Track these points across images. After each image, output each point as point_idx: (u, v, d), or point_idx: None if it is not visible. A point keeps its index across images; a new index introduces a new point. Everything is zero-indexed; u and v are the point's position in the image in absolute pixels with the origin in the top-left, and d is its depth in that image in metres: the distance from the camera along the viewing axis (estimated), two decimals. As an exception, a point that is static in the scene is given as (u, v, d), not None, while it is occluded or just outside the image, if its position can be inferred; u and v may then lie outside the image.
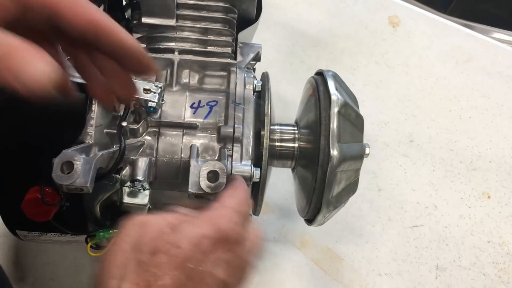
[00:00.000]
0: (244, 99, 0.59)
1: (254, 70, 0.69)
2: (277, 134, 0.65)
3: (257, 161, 0.59)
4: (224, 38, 0.62)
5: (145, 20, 0.61)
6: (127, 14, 0.64)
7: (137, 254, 0.37)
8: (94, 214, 0.57)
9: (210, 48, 0.62)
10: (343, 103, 0.59)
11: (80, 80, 0.42)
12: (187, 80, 0.61)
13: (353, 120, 0.60)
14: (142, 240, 0.38)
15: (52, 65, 0.32)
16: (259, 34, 0.71)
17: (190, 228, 0.39)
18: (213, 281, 0.38)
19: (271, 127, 0.63)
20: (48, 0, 0.36)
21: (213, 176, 0.51)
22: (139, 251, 0.37)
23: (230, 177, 0.51)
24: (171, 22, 0.61)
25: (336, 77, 0.63)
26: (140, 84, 0.53)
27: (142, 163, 0.55)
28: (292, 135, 0.65)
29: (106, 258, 0.38)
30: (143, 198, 0.53)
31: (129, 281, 0.36)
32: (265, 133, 0.59)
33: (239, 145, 0.57)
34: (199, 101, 0.59)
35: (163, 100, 0.57)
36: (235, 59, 0.63)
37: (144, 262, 0.36)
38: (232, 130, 0.57)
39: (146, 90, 0.55)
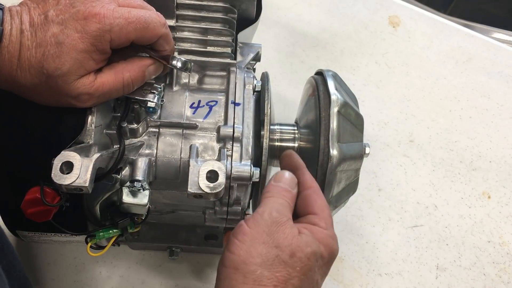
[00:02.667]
0: (244, 99, 0.59)
1: (254, 70, 0.69)
2: (277, 134, 0.65)
3: (257, 161, 0.59)
4: (224, 38, 0.62)
5: (145, 20, 0.61)
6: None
7: (278, 251, 0.45)
8: (94, 214, 0.57)
9: (210, 48, 0.62)
10: (343, 103, 0.59)
11: None
12: (187, 80, 0.61)
13: (353, 119, 0.60)
14: (282, 241, 0.46)
15: None
16: (259, 34, 0.71)
17: (315, 247, 0.47)
18: (316, 286, 0.48)
19: (271, 127, 0.63)
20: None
21: (212, 176, 0.51)
22: (279, 248, 0.46)
23: (306, 179, 0.54)
24: (171, 22, 0.61)
25: (336, 77, 0.63)
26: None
27: (141, 163, 0.55)
28: (292, 135, 0.65)
29: (245, 241, 0.46)
30: (143, 198, 0.53)
31: (271, 272, 0.44)
32: (265, 133, 0.59)
33: (238, 145, 0.57)
34: (199, 101, 0.59)
35: (162, 100, 0.57)
36: (235, 59, 0.63)
37: (283, 260, 0.45)
38: (231, 130, 0.57)
39: (146, 91, 0.55)
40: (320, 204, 0.52)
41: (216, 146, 0.57)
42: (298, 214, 0.53)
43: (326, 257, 0.48)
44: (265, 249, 0.45)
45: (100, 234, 0.57)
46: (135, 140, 0.56)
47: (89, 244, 0.57)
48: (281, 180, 0.53)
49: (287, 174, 0.54)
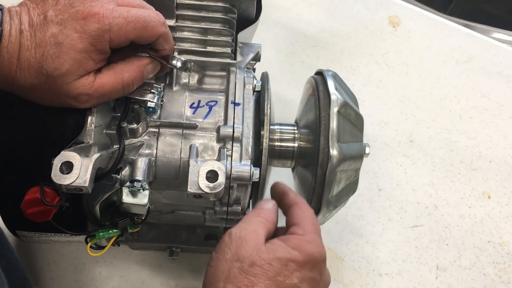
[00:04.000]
0: (243, 99, 0.59)
1: (254, 70, 0.69)
2: (276, 134, 0.65)
3: (256, 161, 0.59)
4: (224, 38, 0.62)
5: (144, 20, 0.61)
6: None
7: (239, 263, 0.47)
8: (94, 214, 0.57)
9: (209, 48, 0.62)
10: (343, 103, 0.59)
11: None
12: (187, 80, 0.61)
13: (352, 119, 0.60)
14: (242, 253, 0.48)
15: None
16: (259, 34, 0.71)
17: (280, 253, 0.48)
18: None
19: (271, 127, 0.63)
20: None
21: (212, 176, 0.51)
22: (240, 261, 0.47)
23: (290, 198, 0.56)
24: (171, 22, 0.61)
25: (336, 77, 0.63)
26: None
27: (141, 163, 0.55)
28: (292, 135, 0.65)
29: (212, 265, 0.49)
30: (143, 198, 0.53)
31: (233, 284, 0.46)
32: (265, 133, 0.59)
33: (238, 145, 0.57)
34: (199, 101, 0.59)
35: (162, 100, 0.57)
36: (235, 59, 0.63)
37: (244, 270, 0.47)
38: (231, 130, 0.57)
39: (146, 91, 0.55)
40: (300, 215, 0.54)
41: (216, 146, 0.57)
42: (286, 230, 0.54)
43: (301, 260, 0.48)
44: (227, 265, 0.48)
45: (100, 234, 0.57)
46: (135, 140, 0.56)
47: (89, 244, 0.57)
48: (259, 204, 0.56)
49: (265, 200, 0.57)
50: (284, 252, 0.48)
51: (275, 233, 0.54)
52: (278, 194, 0.58)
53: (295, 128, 0.66)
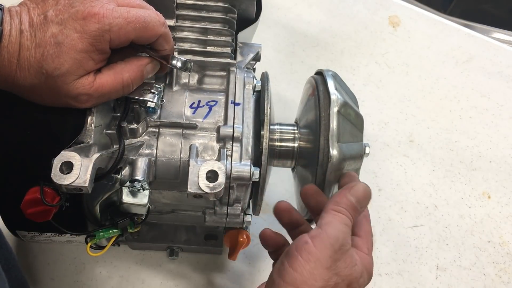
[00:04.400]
0: (243, 99, 0.59)
1: (254, 70, 0.69)
2: (277, 134, 0.65)
3: (256, 161, 0.59)
4: (224, 38, 0.62)
5: (144, 20, 0.61)
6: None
7: (339, 279, 0.47)
8: (94, 214, 0.57)
9: (209, 48, 0.62)
10: (343, 103, 0.59)
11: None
12: (187, 80, 0.61)
13: (352, 119, 0.60)
14: (343, 270, 0.48)
15: None
16: (259, 34, 0.71)
17: (364, 275, 0.50)
18: None
19: (271, 127, 0.63)
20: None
21: (212, 176, 0.51)
22: (340, 278, 0.47)
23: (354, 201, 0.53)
24: (171, 22, 0.61)
25: (336, 77, 0.63)
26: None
27: (141, 163, 0.55)
28: (292, 135, 0.65)
29: (309, 263, 0.47)
30: (143, 198, 0.53)
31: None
32: (265, 132, 0.59)
33: (238, 145, 0.57)
34: (199, 101, 0.59)
35: (162, 100, 0.57)
36: (235, 59, 0.63)
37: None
38: (231, 129, 0.57)
39: (146, 90, 0.55)
40: (367, 229, 0.54)
41: (216, 146, 0.57)
42: None
43: (367, 281, 0.51)
44: (327, 275, 0.46)
45: (100, 234, 0.57)
46: (135, 140, 0.56)
47: (89, 244, 0.57)
48: (355, 195, 0.53)
49: (362, 188, 0.53)
50: (364, 274, 0.50)
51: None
52: (360, 198, 0.54)
53: (295, 128, 0.66)
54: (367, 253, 0.51)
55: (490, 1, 1.52)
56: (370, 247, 0.53)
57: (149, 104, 0.55)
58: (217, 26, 0.62)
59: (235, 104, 0.58)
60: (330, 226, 0.49)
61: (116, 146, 0.55)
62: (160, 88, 0.56)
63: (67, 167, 0.47)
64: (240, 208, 0.60)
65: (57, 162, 0.47)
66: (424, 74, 1.02)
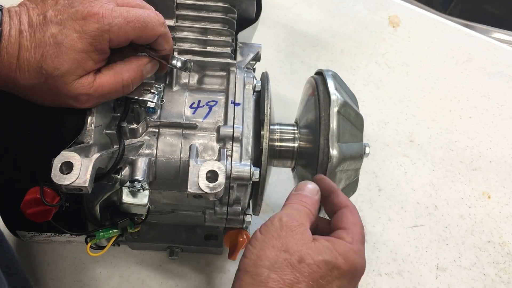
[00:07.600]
0: (243, 99, 0.59)
1: (254, 70, 0.69)
2: (276, 134, 0.65)
3: (256, 161, 0.59)
4: (224, 38, 0.62)
5: (144, 20, 0.60)
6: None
7: (287, 255, 0.47)
8: (94, 214, 0.57)
9: (209, 48, 0.62)
10: (343, 103, 0.59)
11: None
12: (187, 80, 0.61)
13: (352, 119, 0.60)
14: (292, 246, 0.47)
15: None
16: (259, 34, 0.71)
17: (328, 256, 0.47)
18: None
19: (271, 127, 0.63)
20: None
21: (212, 176, 0.51)
22: (288, 253, 0.47)
23: (341, 199, 0.55)
24: (171, 22, 0.61)
25: (336, 77, 0.63)
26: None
27: (141, 163, 0.55)
28: (292, 135, 0.65)
29: (256, 247, 0.48)
30: (143, 198, 0.53)
31: (278, 274, 0.46)
32: (265, 132, 0.59)
33: (238, 145, 0.57)
34: (199, 101, 0.59)
35: (162, 100, 0.57)
36: (235, 59, 0.63)
37: (291, 264, 0.46)
38: (231, 130, 0.57)
39: (146, 90, 0.55)
40: (351, 221, 0.53)
41: (216, 146, 0.57)
42: (331, 231, 0.53)
43: (344, 269, 0.48)
44: (273, 252, 0.47)
45: (100, 234, 0.57)
46: (135, 140, 0.56)
47: (89, 244, 0.57)
48: (302, 189, 0.54)
49: (309, 184, 0.55)
50: (331, 256, 0.48)
51: (315, 224, 0.54)
52: (326, 190, 0.56)
53: (295, 128, 0.66)
54: (349, 242, 0.50)
55: (490, 1, 1.52)
56: (356, 237, 0.51)
57: (149, 104, 0.55)
58: (217, 26, 0.62)
59: (235, 104, 0.58)
60: (277, 213, 0.51)
61: (116, 146, 0.55)
62: (160, 88, 0.56)
63: (67, 167, 0.47)
64: (240, 208, 0.60)
65: (57, 162, 0.47)
66: (424, 74, 1.02)
